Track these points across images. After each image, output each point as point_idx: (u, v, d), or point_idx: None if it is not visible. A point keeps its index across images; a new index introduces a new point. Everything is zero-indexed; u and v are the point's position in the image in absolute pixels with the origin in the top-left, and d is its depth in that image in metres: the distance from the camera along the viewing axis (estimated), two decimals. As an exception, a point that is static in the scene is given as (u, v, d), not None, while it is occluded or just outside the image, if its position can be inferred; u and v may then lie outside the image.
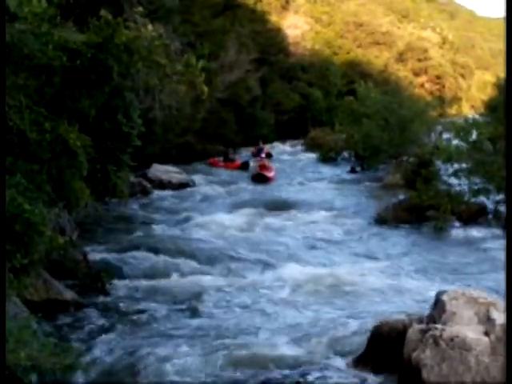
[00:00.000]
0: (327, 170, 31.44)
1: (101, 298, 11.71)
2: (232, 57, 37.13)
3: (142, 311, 11.22)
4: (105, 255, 14.26)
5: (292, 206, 21.42)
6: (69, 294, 11.10)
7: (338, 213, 20.54)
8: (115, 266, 13.65)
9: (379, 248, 16.39)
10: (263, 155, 33.37)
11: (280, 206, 21.13)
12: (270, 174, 28.55)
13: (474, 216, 18.67)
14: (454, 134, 21.56)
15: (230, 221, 18.85)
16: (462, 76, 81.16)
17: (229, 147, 35.55)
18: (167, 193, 23.93)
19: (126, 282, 12.65)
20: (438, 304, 8.04)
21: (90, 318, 10.75)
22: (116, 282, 12.51)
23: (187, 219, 18.98)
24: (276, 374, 8.64)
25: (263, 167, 29.14)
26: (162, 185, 24.99)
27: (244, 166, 31.61)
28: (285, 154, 38.46)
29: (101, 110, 10.27)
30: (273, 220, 19.29)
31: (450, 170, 20.70)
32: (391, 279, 13.46)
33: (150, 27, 10.63)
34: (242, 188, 25.84)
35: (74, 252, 12.01)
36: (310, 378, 8.47)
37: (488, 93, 44.06)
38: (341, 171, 30.95)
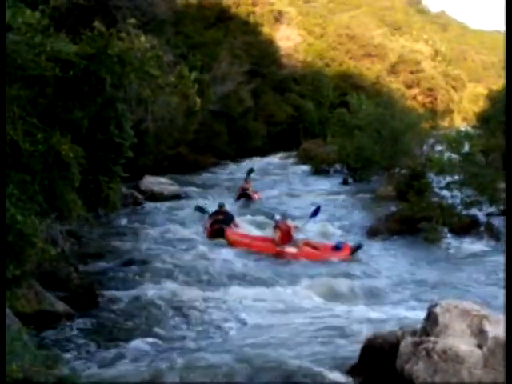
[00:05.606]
0: (319, 182, 31.43)
1: (92, 310, 11.64)
2: (224, 68, 37.24)
3: (133, 323, 11.19)
4: (96, 267, 14.24)
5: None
6: (61, 306, 11.04)
7: (329, 225, 20.52)
8: (107, 277, 13.63)
9: (371, 260, 16.40)
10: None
11: (270, 219, 21.03)
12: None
13: (466, 228, 18.68)
14: (447, 146, 21.64)
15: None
16: (454, 88, 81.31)
17: (222, 159, 35.30)
18: (159, 204, 23.85)
19: (118, 293, 12.60)
20: (431, 316, 8.02)
21: (82, 329, 10.69)
22: (108, 293, 12.49)
23: (179, 231, 18.96)
24: (268, 385, 8.61)
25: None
26: (154, 196, 24.94)
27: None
28: (276, 166, 38.42)
29: (93, 121, 10.27)
30: (264, 233, 19.24)
31: (443, 182, 20.76)
32: (383, 291, 13.48)
33: (142, 38, 10.65)
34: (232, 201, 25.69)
35: (66, 263, 11.97)
36: (302, 389, 8.44)
37: (480, 105, 44.19)
38: (333, 183, 30.96)
